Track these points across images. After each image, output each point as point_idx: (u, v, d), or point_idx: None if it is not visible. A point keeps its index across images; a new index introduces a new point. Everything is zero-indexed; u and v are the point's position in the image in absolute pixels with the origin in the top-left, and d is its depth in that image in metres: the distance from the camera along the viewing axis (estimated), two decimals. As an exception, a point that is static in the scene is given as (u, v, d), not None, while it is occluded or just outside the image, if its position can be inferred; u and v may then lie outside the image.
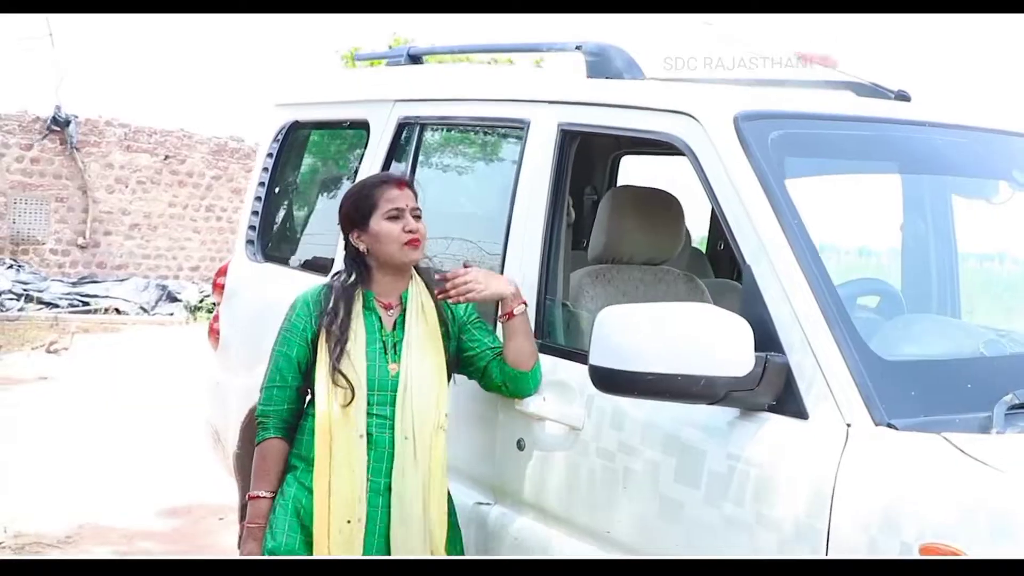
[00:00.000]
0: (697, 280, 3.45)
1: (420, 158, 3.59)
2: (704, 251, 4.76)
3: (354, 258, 3.03)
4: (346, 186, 3.98)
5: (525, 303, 2.95)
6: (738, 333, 2.29)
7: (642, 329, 2.30)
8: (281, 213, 4.51)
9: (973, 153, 3.03)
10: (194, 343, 13.01)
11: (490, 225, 3.27)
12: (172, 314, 15.94)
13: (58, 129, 16.66)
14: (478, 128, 3.55)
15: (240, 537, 3.14)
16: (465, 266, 2.97)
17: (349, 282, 2.98)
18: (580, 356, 2.91)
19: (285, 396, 2.98)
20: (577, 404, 2.80)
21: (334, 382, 2.86)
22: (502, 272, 3.11)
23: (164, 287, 16.62)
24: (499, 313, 2.98)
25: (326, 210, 4.21)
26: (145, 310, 15.95)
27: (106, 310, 15.38)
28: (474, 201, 3.80)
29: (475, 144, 3.66)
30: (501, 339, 2.99)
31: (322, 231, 4.21)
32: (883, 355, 2.30)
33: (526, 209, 3.09)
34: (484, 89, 3.43)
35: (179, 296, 16.43)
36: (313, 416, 2.90)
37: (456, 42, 4.38)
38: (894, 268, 3.73)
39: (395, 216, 2.94)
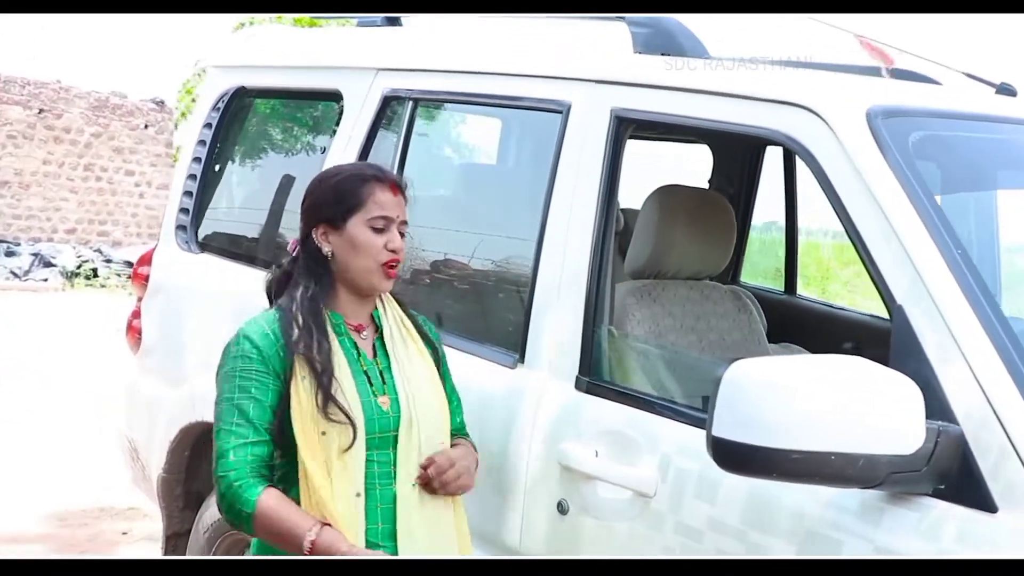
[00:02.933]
0: (744, 297, 2.93)
1: (412, 143, 2.92)
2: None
3: (315, 261, 2.31)
4: (308, 168, 3.33)
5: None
6: (907, 397, 1.77)
7: (784, 392, 1.75)
8: (222, 196, 3.80)
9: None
10: (72, 313, 12.25)
11: (512, 233, 2.66)
12: (47, 280, 14.85)
13: (-83, 76, 15.28)
14: (495, 108, 2.89)
15: None
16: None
17: (309, 295, 2.28)
18: (639, 400, 2.36)
19: (253, 452, 2.20)
20: (647, 464, 2.24)
21: (328, 417, 2.17)
22: (532, 299, 2.51)
23: (37, 251, 15.46)
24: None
25: (277, 195, 3.55)
26: (16, 275, 14.82)
27: (-29, 275, 14.22)
28: (488, 202, 3.09)
29: (490, 128, 3.01)
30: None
31: (271, 219, 3.57)
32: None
33: (567, 214, 2.48)
34: (507, 61, 2.75)
35: (54, 261, 15.29)
36: (296, 486, 2.21)
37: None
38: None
39: (381, 228, 2.27)
